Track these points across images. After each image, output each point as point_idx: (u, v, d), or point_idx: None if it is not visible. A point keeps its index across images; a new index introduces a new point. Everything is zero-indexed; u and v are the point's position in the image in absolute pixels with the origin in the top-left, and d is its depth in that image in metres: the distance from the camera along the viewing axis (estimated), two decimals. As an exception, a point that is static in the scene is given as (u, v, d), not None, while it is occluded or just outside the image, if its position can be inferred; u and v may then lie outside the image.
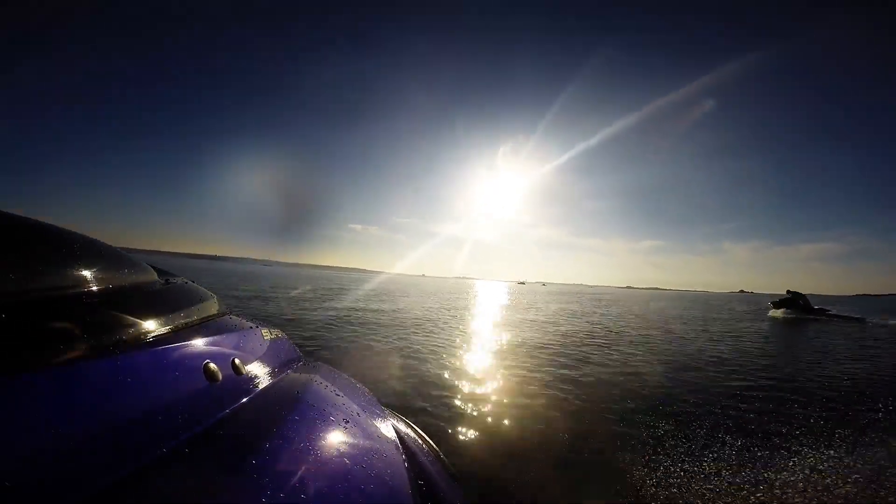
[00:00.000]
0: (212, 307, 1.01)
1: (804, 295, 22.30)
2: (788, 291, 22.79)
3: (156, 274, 0.96)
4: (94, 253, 0.78)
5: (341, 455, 0.66)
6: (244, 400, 0.74)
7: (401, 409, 1.13)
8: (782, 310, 21.63)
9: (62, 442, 0.42)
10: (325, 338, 8.35)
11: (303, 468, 0.57)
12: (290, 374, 1.00)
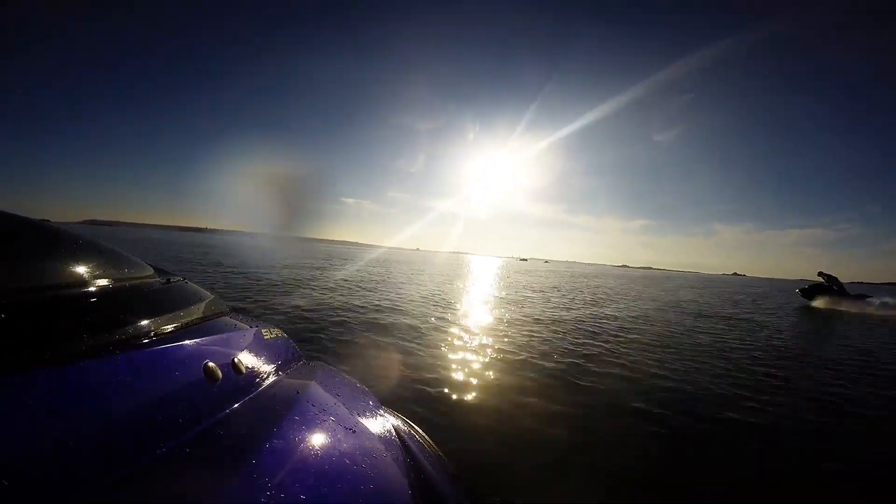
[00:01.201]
0: (212, 306, 1.01)
1: (837, 279, 18.14)
2: (821, 274, 18.54)
3: (155, 273, 0.97)
4: (94, 252, 0.79)
5: (341, 455, 0.66)
6: (244, 400, 0.74)
7: (401, 409, 1.13)
8: (823, 299, 17.68)
9: (62, 441, 0.42)
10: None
11: (303, 468, 0.57)
12: (290, 374, 1.00)
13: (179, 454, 0.52)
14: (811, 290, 18.41)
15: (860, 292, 18.32)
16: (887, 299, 16.26)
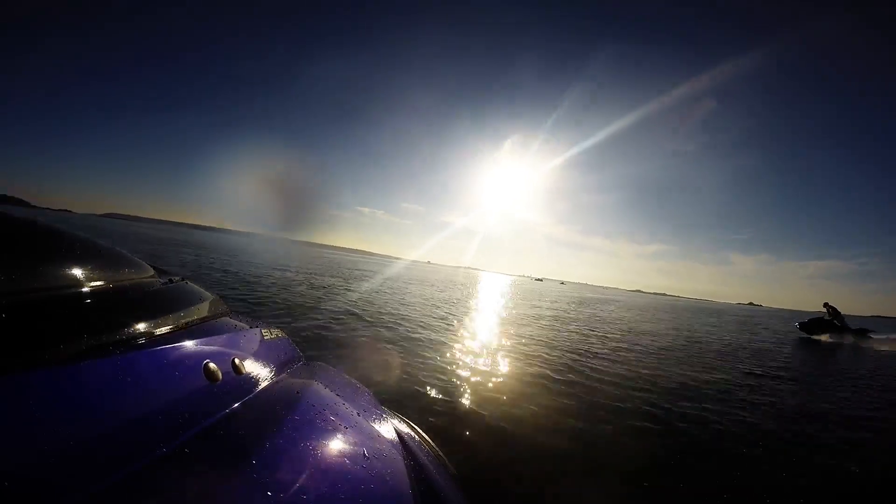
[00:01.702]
0: (212, 307, 1.01)
1: (839, 312, 16.84)
2: (826, 305, 17.05)
3: (156, 274, 0.97)
4: (94, 253, 0.80)
5: (342, 455, 0.66)
6: (244, 400, 0.74)
7: (402, 409, 1.14)
8: (826, 335, 16.58)
9: (62, 442, 0.42)
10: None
11: (303, 468, 0.58)
12: (291, 374, 1.00)
13: (180, 454, 0.52)
14: (811, 324, 17.39)
15: (867, 326, 17.34)
16: (892, 335, 15.59)
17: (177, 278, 1.05)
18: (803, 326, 17.45)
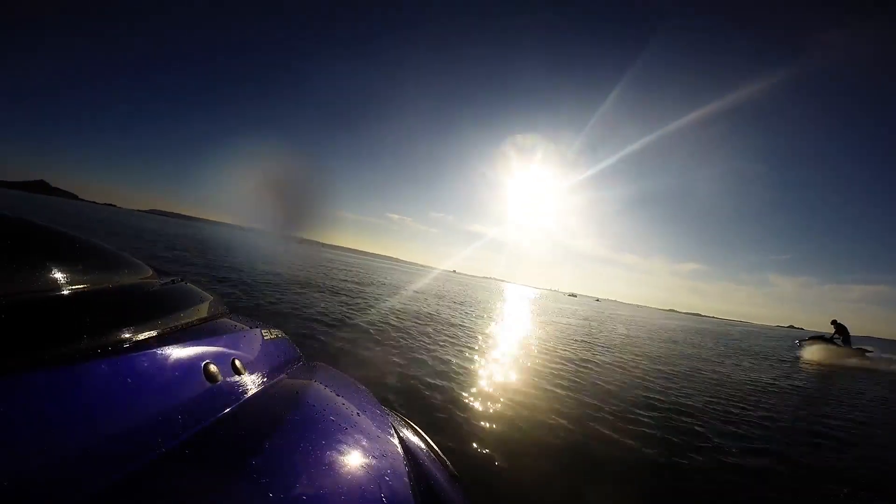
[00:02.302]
0: (212, 308, 1.01)
1: (847, 329, 16.63)
2: (834, 322, 16.82)
3: (155, 274, 0.98)
4: (94, 254, 0.80)
5: (342, 456, 0.66)
6: (244, 400, 0.74)
7: (402, 409, 1.18)
8: (819, 345, 16.69)
9: (62, 442, 0.42)
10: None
11: (303, 469, 0.58)
12: (291, 375, 1.01)
13: (180, 455, 0.52)
14: (810, 339, 17.56)
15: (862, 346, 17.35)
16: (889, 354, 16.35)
17: (176, 279, 1.06)
18: (802, 342, 17.76)
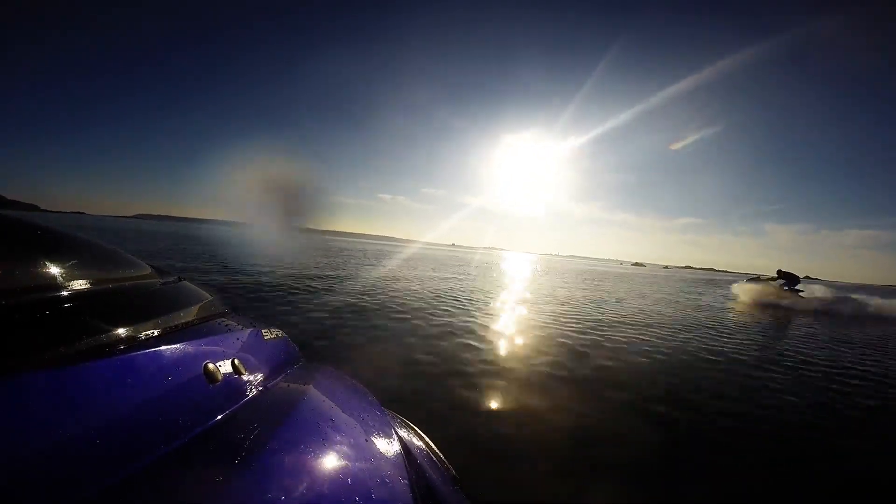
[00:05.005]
0: (211, 307, 1.00)
1: (796, 276, 17.94)
2: (779, 271, 18.17)
3: (155, 274, 0.97)
4: (94, 253, 0.79)
5: (342, 456, 0.66)
6: (244, 401, 0.74)
7: (402, 410, 1.15)
8: (750, 285, 18.20)
9: (62, 443, 0.42)
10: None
11: (303, 469, 0.58)
12: (291, 375, 1.00)
13: (179, 456, 0.52)
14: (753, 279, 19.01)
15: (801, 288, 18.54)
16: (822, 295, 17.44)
17: (175, 278, 1.04)
18: (749, 280, 19.14)
